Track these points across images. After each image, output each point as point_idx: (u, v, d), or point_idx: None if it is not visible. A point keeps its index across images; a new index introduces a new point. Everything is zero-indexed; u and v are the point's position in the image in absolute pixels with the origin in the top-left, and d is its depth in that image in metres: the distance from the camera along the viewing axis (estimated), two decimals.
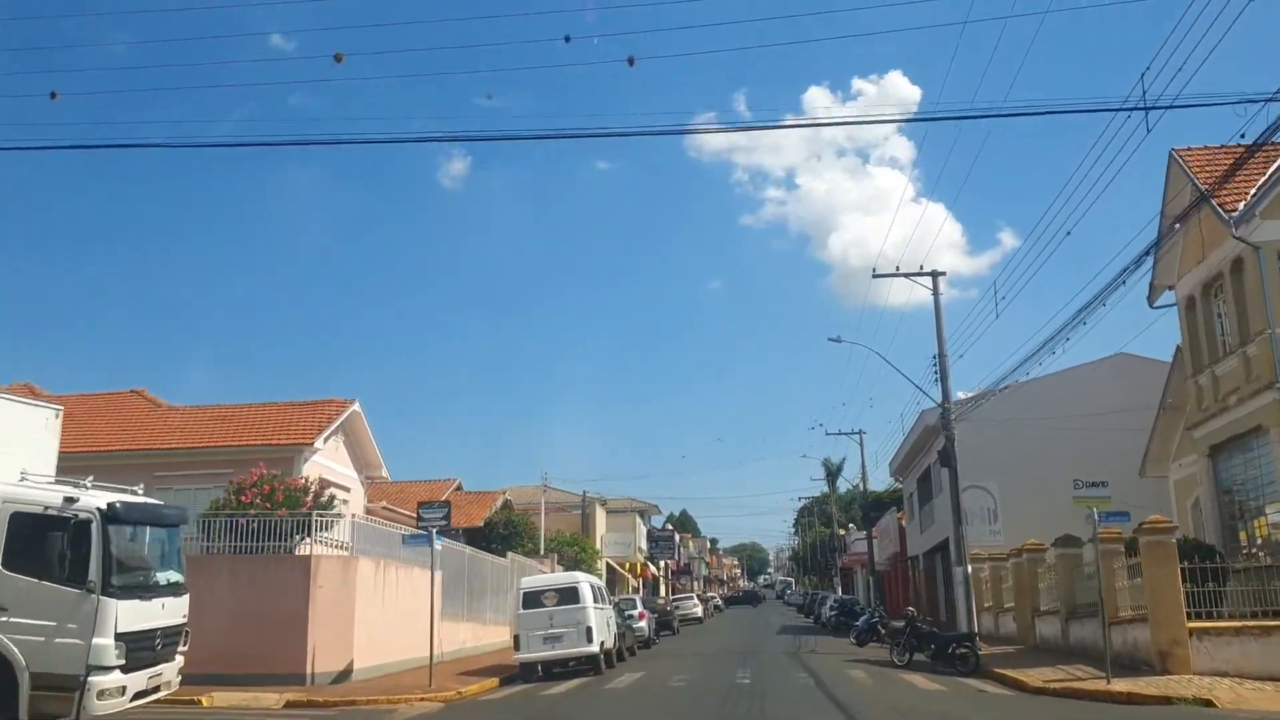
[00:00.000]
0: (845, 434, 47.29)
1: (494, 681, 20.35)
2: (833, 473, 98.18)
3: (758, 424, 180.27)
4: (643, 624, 30.27)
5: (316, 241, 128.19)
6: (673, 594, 64.01)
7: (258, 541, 19.94)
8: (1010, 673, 18.44)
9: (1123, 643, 18.11)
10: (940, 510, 38.42)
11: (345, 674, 19.21)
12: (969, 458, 34.26)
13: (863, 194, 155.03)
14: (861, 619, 31.55)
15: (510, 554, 32.30)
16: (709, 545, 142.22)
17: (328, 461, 28.38)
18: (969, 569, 25.72)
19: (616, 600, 28.64)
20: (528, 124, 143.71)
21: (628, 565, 56.98)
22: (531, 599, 21.03)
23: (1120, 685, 15.49)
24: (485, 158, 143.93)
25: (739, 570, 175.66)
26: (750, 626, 45.29)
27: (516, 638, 20.89)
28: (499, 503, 40.63)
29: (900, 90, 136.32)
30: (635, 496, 69.25)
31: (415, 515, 38.51)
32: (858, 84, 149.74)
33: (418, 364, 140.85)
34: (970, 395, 31.31)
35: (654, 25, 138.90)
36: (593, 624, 20.69)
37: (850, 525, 79.50)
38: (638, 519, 54.90)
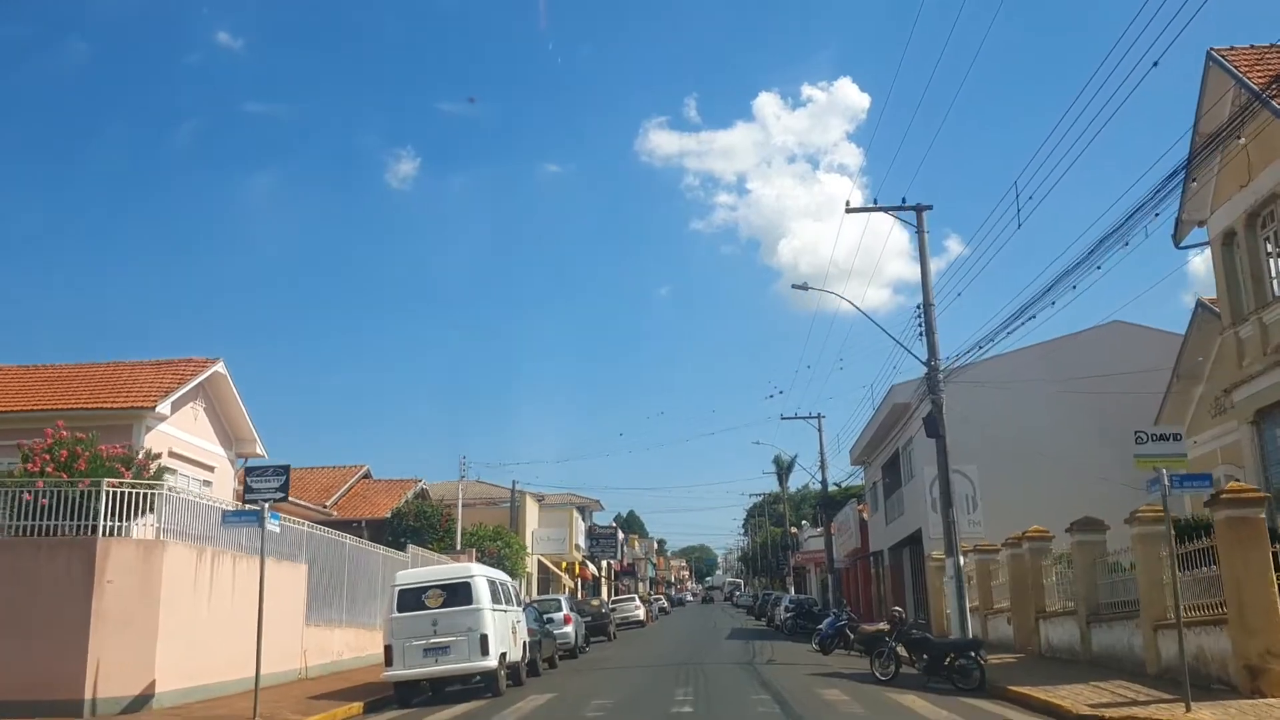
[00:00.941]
0: (802, 418, 42.86)
1: (357, 707, 15.36)
2: (784, 469, 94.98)
3: (707, 419, 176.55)
4: (568, 629, 25.42)
5: (267, 239, 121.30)
6: (616, 595, 59.21)
7: (53, 521, 14.78)
8: (1032, 692, 13.92)
9: (1171, 654, 13.72)
10: (912, 498, 34.10)
11: (143, 700, 14.09)
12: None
13: (812, 200, 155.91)
14: (825, 622, 26.99)
15: (413, 547, 27.27)
16: (656, 546, 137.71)
17: (181, 433, 23.12)
18: (960, 560, 21.20)
19: (533, 601, 23.72)
20: (482, 126, 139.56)
21: (564, 565, 52.00)
22: (409, 599, 16.08)
23: (1207, 714, 11.00)
24: (434, 158, 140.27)
25: (687, 572, 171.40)
26: (696, 631, 40.61)
27: (389, 648, 15.89)
28: (412, 492, 35.51)
29: (849, 97, 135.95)
30: (576, 492, 64.42)
31: (317, 509, 33.40)
32: (807, 90, 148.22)
33: (353, 358, 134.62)
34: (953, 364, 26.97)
35: (607, 29, 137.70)
36: (489, 630, 15.80)
37: (804, 522, 75.33)
38: (575, 514, 49.99)
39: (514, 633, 17.64)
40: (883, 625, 25.59)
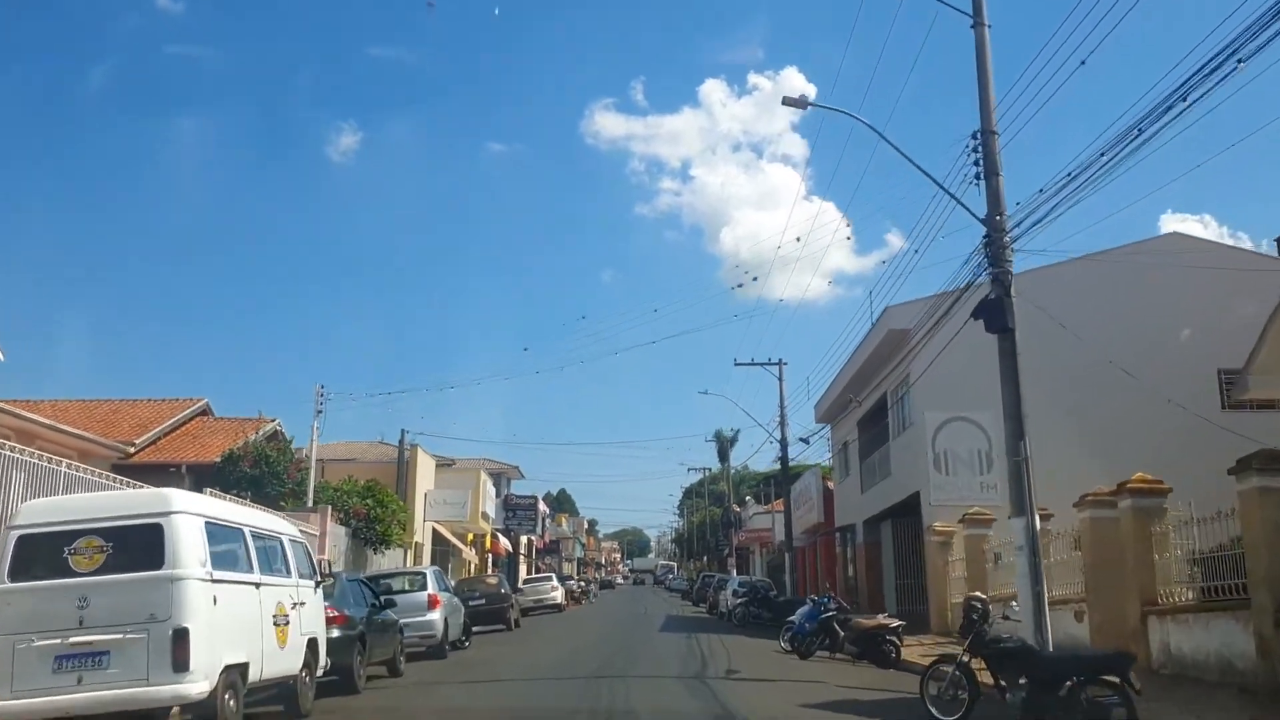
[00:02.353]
0: (759, 364, 35.27)
1: None
2: (725, 443, 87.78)
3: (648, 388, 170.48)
4: (431, 617, 17.42)
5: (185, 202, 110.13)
6: (535, 574, 51.30)
7: None
8: None
9: None
10: (903, 456, 26.75)
11: None
12: (943, 379, 23.10)
13: (756, 189, 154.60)
14: (800, 612, 19.40)
15: (224, 494, 19.10)
16: (586, 526, 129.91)
17: None
18: (1035, 523, 13.66)
19: (354, 575, 15.49)
20: (420, 80, 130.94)
21: (471, 537, 43.94)
22: (37, 554, 8.03)
23: None
24: (376, 130, 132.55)
25: (618, 555, 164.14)
26: (624, 619, 32.95)
27: None
28: (261, 432, 27.12)
29: (795, 86, 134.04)
30: (493, 457, 56.26)
31: (112, 446, 24.83)
32: (754, 79, 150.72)
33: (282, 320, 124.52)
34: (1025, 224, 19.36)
35: (556, 8, 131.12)
36: (192, 619, 7.82)
37: (747, 499, 68.10)
38: (484, 478, 41.75)
39: (283, 625, 9.61)
40: (886, 619, 18.11)
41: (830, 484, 36.88)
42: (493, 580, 26.62)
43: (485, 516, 41.82)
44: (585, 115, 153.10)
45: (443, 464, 39.82)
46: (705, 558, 76.53)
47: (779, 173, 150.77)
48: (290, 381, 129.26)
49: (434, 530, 35.81)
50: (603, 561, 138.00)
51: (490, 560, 47.74)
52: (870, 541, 30.78)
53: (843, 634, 17.50)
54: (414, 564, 31.76)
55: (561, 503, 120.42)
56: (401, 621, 16.67)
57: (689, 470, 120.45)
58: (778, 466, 65.98)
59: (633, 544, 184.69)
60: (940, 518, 23.78)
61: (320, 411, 26.06)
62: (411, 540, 32.39)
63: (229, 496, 19.29)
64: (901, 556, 28.02)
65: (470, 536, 43.52)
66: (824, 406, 34.43)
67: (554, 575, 42.36)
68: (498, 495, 52.32)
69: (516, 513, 52.11)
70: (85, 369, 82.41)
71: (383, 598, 14.63)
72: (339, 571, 14.36)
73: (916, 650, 17.94)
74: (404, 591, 17.54)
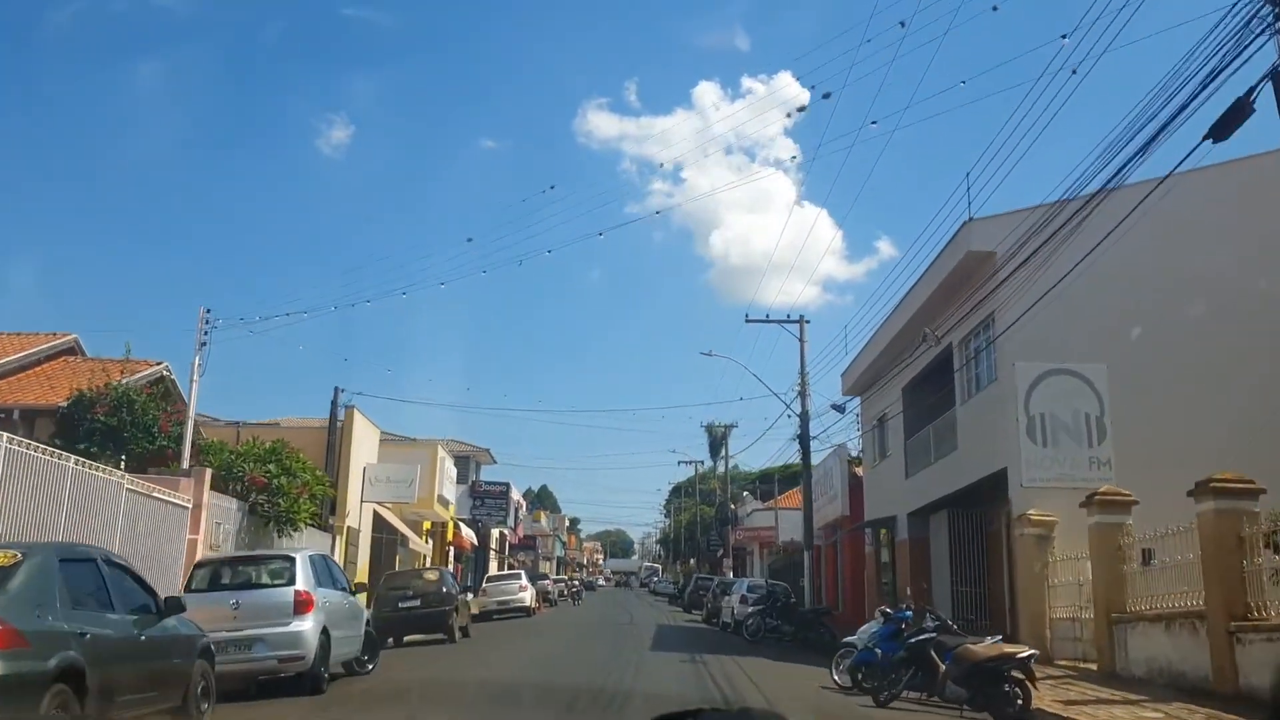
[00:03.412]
0: (776, 321, 29.01)
1: None
2: (719, 439, 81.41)
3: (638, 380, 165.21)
4: (299, 627, 10.92)
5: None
6: (501, 572, 44.74)
7: None
8: None
9: None
10: (972, 427, 20.56)
11: None
12: (1040, 322, 17.20)
13: (747, 192, 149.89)
14: (871, 631, 13.06)
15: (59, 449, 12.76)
16: (568, 524, 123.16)
17: None
18: None
19: (76, 553, 8.46)
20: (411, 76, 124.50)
21: (428, 526, 37.41)
22: None
23: None
24: (367, 123, 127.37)
25: (601, 555, 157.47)
26: (604, 630, 26.61)
27: None
28: (140, 377, 20.64)
29: (790, 91, 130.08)
30: (464, 439, 49.67)
31: None
32: (748, 82, 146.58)
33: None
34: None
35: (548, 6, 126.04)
36: None
37: (745, 494, 61.81)
38: (442, 455, 34.93)
39: None
40: (1005, 645, 11.80)
41: (858, 470, 30.60)
42: (431, 576, 20.01)
43: (444, 502, 35.27)
44: (577, 114, 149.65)
45: (395, 441, 33.34)
46: (695, 559, 70.06)
47: (771, 176, 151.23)
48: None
49: (375, 514, 29.31)
50: (584, 562, 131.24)
51: (451, 555, 41.20)
52: (916, 538, 24.52)
53: (944, 667, 11.15)
54: (343, 553, 25.36)
55: (543, 499, 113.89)
56: (252, 633, 10.35)
57: (679, 463, 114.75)
58: (772, 464, 60.08)
59: (616, 545, 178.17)
60: (1031, 503, 17.57)
61: (204, 344, 19.47)
62: (343, 524, 25.93)
63: (63, 455, 12.89)
64: (961, 556, 21.79)
65: (427, 525, 36.99)
66: (855, 374, 28.14)
67: (523, 572, 35.79)
68: (464, 481, 45.83)
69: (485, 501, 45.61)
70: None
71: (165, 597, 8.19)
72: (32, 546, 7.74)
73: (1048, 693, 11.71)
74: (259, 586, 11.13)
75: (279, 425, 27.61)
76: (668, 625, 29.82)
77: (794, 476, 52.72)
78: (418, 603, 18.82)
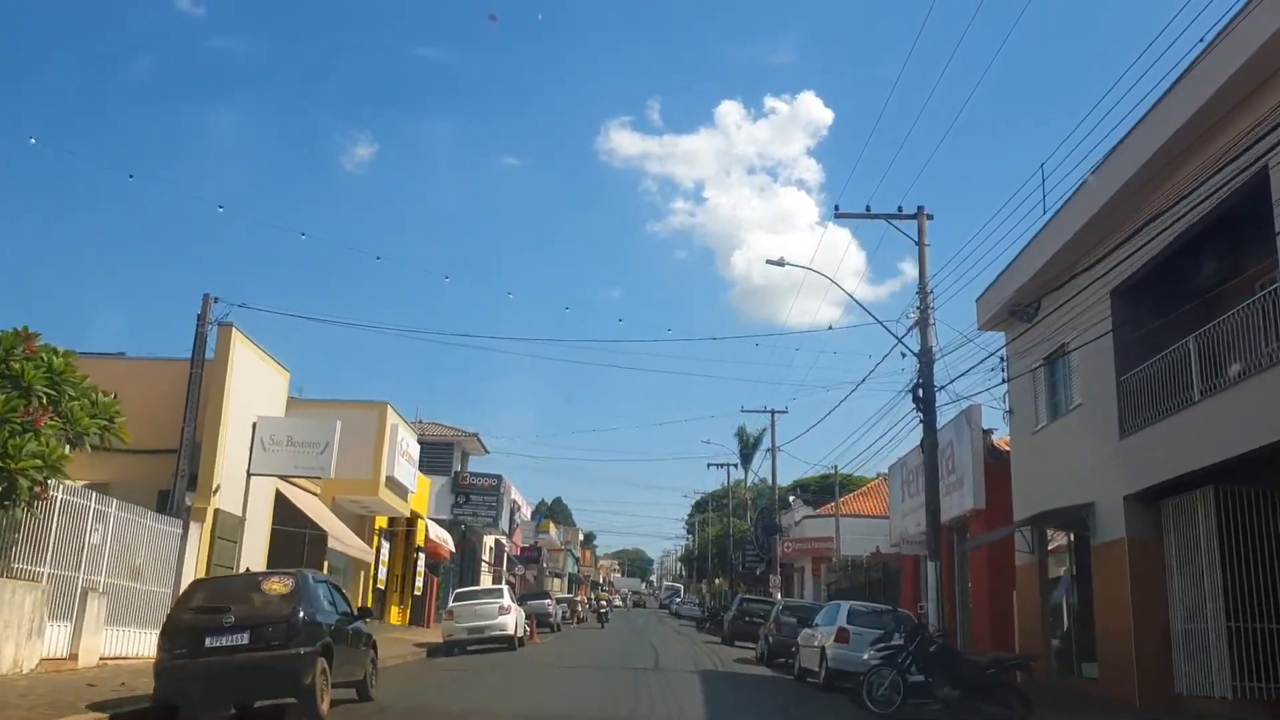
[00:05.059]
0: (880, 216, 19.34)
1: None
2: (749, 446, 71.82)
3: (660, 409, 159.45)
4: None
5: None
6: (475, 587, 35.00)
7: None
8: None
9: None
10: None
11: None
12: None
13: (769, 212, 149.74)
14: None
15: None
16: (582, 538, 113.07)
17: None
18: None
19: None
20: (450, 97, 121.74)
21: (382, 523, 27.76)
22: None
23: None
24: (393, 141, 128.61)
25: (618, 572, 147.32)
26: (618, 671, 16.97)
27: None
28: None
29: (812, 111, 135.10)
30: (459, 426, 40.07)
31: None
32: (771, 102, 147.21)
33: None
34: None
35: (575, 26, 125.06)
36: None
37: (791, 499, 51.94)
38: (394, 421, 24.74)
39: None
40: None
41: (1003, 443, 20.83)
42: (277, 588, 9.85)
43: (398, 489, 25.49)
44: (600, 132, 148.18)
45: (325, 404, 23.80)
46: (730, 576, 59.95)
47: (793, 197, 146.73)
48: None
49: (280, 496, 19.70)
50: (600, 580, 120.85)
51: (421, 564, 31.52)
52: (1138, 538, 14.65)
53: None
54: (205, 553, 15.83)
55: (556, 512, 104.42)
56: None
57: (708, 465, 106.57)
58: (808, 474, 50.12)
59: (634, 563, 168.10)
60: None
61: None
62: (208, 504, 16.37)
63: None
64: (1243, 564, 12.08)
65: (381, 522, 27.32)
66: (1006, 291, 18.43)
67: (505, 589, 25.82)
68: (446, 473, 36.29)
69: (470, 497, 36.03)
70: None
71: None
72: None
73: None
74: None
75: (124, 357, 18.12)
76: (712, 670, 20.02)
77: (831, 488, 42.79)
78: (244, 638, 9.24)
